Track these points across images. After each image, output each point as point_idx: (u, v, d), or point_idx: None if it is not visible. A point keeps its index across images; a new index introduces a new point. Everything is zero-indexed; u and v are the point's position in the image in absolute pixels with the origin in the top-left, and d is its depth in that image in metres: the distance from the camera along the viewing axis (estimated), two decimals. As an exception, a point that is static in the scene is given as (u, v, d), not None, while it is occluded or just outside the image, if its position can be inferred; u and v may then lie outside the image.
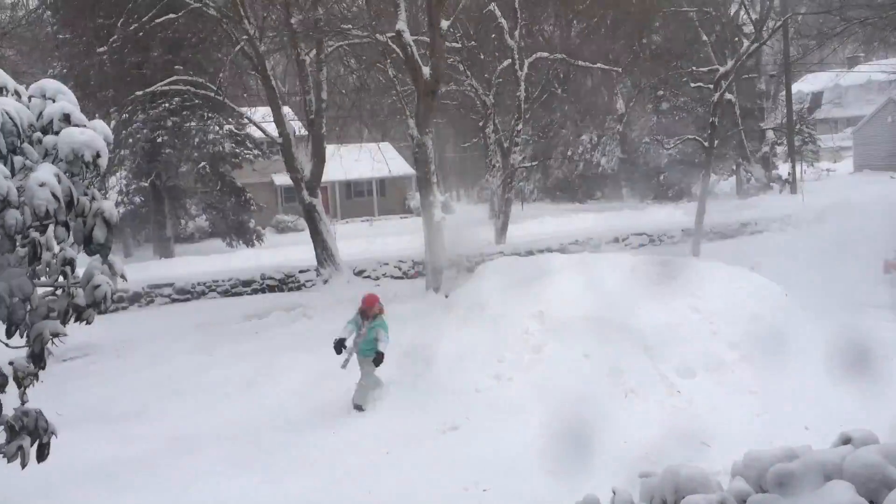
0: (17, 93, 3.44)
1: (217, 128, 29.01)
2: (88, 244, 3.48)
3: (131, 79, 24.01)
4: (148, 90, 21.70)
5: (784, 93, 35.84)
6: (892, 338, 10.24)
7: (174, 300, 19.90)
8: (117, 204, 28.80)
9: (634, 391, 8.78)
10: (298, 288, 20.77)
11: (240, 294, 20.43)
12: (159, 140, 27.07)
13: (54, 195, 3.17)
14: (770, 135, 36.82)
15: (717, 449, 7.44)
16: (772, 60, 39.33)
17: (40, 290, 3.55)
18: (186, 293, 20.08)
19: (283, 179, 38.51)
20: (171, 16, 20.02)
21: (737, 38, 32.12)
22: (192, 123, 27.77)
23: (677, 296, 9.88)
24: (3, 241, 3.18)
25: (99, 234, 3.44)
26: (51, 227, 3.39)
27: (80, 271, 3.64)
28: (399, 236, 26.21)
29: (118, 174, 28.70)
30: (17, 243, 3.27)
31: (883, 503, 2.80)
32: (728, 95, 27.88)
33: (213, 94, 21.18)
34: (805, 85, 59.55)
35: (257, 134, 27.23)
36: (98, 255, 3.57)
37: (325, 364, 9.92)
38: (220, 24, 21.23)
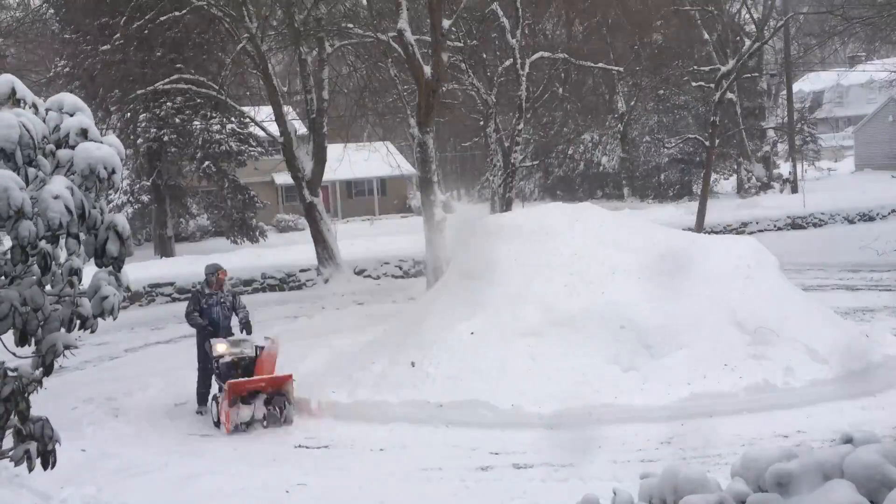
0: (34, 105, 3.47)
1: (220, 126, 29.05)
2: (101, 257, 3.52)
3: (134, 78, 24.05)
4: (150, 88, 21.75)
5: (785, 92, 35.84)
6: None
7: (175, 299, 19.90)
8: (123, 203, 28.82)
9: (637, 379, 8.78)
10: (299, 287, 20.78)
11: (240, 293, 20.40)
12: (165, 139, 27.11)
13: (67, 208, 3.21)
14: (771, 134, 36.83)
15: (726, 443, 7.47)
16: (773, 59, 39.33)
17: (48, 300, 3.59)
18: (187, 292, 20.06)
19: (283, 178, 38.52)
20: (175, 14, 20.05)
21: (738, 38, 32.12)
22: (196, 123, 27.81)
23: (680, 281, 9.81)
24: (16, 251, 3.20)
25: (112, 247, 3.48)
26: (62, 240, 3.43)
27: (85, 281, 3.68)
28: (400, 235, 26.23)
29: (122, 173, 28.73)
30: (29, 254, 3.30)
31: (883, 503, 2.81)
32: (729, 94, 27.90)
33: (215, 94, 21.22)
34: (806, 84, 59.52)
35: (259, 133, 27.27)
36: (105, 266, 3.61)
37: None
38: (222, 23, 21.26)
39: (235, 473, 7.67)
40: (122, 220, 3.56)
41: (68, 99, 3.66)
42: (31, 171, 3.33)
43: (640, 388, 8.70)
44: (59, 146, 3.49)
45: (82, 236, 3.49)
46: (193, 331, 10.31)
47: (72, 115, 3.57)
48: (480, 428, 8.42)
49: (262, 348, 9.54)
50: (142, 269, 20.46)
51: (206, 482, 7.44)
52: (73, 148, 3.46)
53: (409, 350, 9.80)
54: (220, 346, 9.46)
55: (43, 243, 3.32)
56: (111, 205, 26.48)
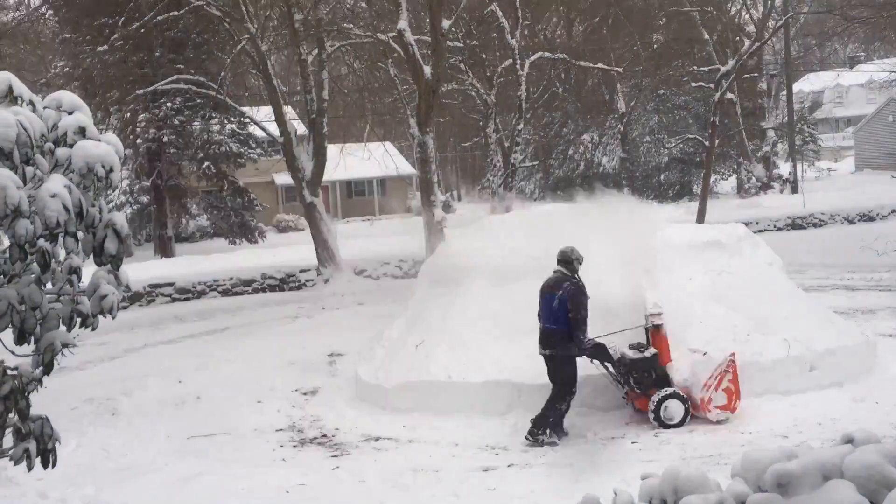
0: (31, 103, 3.47)
1: (219, 127, 29.08)
2: (99, 255, 3.52)
3: (133, 78, 24.07)
4: (149, 89, 21.77)
5: (785, 92, 35.87)
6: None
7: (175, 299, 19.92)
8: (123, 204, 28.87)
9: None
10: (299, 287, 20.79)
11: (240, 293, 20.45)
12: (164, 139, 27.13)
13: (65, 206, 3.21)
14: (771, 134, 36.85)
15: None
16: (773, 60, 39.34)
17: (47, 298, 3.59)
18: (187, 293, 20.10)
19: (283, 179, 38.57)
20: (174, 14, 20.06)
21: (738, 38, 32.13)
22: (196, 123, 27.84)
23: (680, 277, 9.74)
24: (14, 250, 3.21)
25: (111, 245, 3.49)
26: (60, 237, 3.43)
27: (85, 280, 3.68)
28: (400, 236, 26.24)
29: (121, 173, 28.78)
30: (27, 252, 3.30)
31: (883, 503, 2.82)
32: (729, 95, 27.91)
33: (214, 94, 21.23)
34: (806, 84, 59.60)
35: (259, 134, 27.30)
36: (106, 266, 3.61)
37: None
38: (222, 23, 21.27)
39: (235, 473, 7.67)
40: (120, 218, 3.56)
41: (66, 97, 3.66)
42: (30, 169, 3.33)
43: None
44: (57, 144, 3.49)
45: (80, 235, 3.49)
46: (194, 331, 10.34)
47: (70, 114, 3.57)
48: (480, 425, 8.42)
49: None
50: (142, 270, 20.46)
51: (207, 482, 7.44)
52: (71, 146, 3.46)
53: (410, 342, 9.81)
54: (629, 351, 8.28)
55: (42, 241, 3.33)
56: (111, 205, 26.46)
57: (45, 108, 3.56)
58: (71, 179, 3.36)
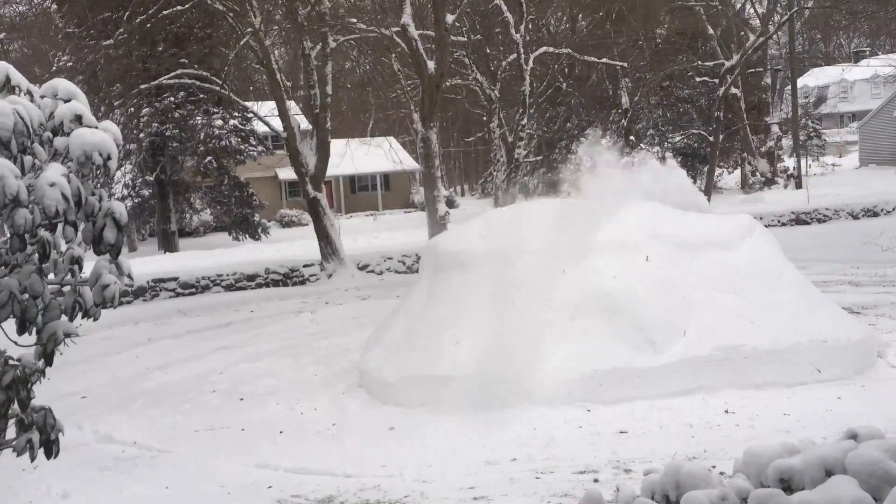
0: (29, 92, 3.47)
1: (222, 122, 29.11)
2: (98, 244, 3.51)
3: (137, 73, 24.09)
4: (153, 83, 21.79)
5: (789, 87, 35.77)
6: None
7: (178, 294, 19.96)
8: (124, 197, 28.92)
9: (641, 375, 8.75)
10: (303, 282, 20.81)
11: (244, 288, 20.47)
12: (167, 134, 27.16)
13: (64, 195, 3.21)
14: (775, 129, 36.75)
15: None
16: (778, 54, 39.25)
17: (48, 288, 3.59)
18: (190, 287, 20.13)
19: (287, 174, 38.61)
20: (178, 8, 20.07)
21: (742, 32, 32.05)
22: (199, 118, 27.86)
23: (682, 272, 9.70)
24: (13, 240, 3.21)
25: (109, 234, 3.48)
26: (59, 227, 3.43)
27: (87, 270, 3.69)
28: (403, 230, 26.25)
29: (123, 168, 28.84)
30: (27, 242, 3.30)
31: (885, 500, 2.81)
32: (733, 89, 27.86)
33: (217, 88, 21.24)
34: (811, 79, 59.40)
35: (261, 130, 27.33)
36: (106, 255, 3.61)
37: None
38: (225, 18, 21.27)
39: (242, 465, 7.68)
40: (119, 207, 3.55)
41: (62, 85, 3.65)
42: (28, 159, 3.33)
43: (643, 383, 8.69)
44: (55, 133, 3.48)
45: (80, 224, 3.49)
46: (197, 325, 10.33)
47: (66, 102, 3.56)
48: (484, 419, 8.42)
49: None
50: (145, 264, 20.49)
51: (213, 476, 7.45)
52: (68, 134, 3.46)
53: (412, 336, 9.82)
54: None
55: (42, 231, 3.33)
56: (114, 197, 26.56)
57: (42, 96, 3.56)
58: (69, 168, 3.35)
